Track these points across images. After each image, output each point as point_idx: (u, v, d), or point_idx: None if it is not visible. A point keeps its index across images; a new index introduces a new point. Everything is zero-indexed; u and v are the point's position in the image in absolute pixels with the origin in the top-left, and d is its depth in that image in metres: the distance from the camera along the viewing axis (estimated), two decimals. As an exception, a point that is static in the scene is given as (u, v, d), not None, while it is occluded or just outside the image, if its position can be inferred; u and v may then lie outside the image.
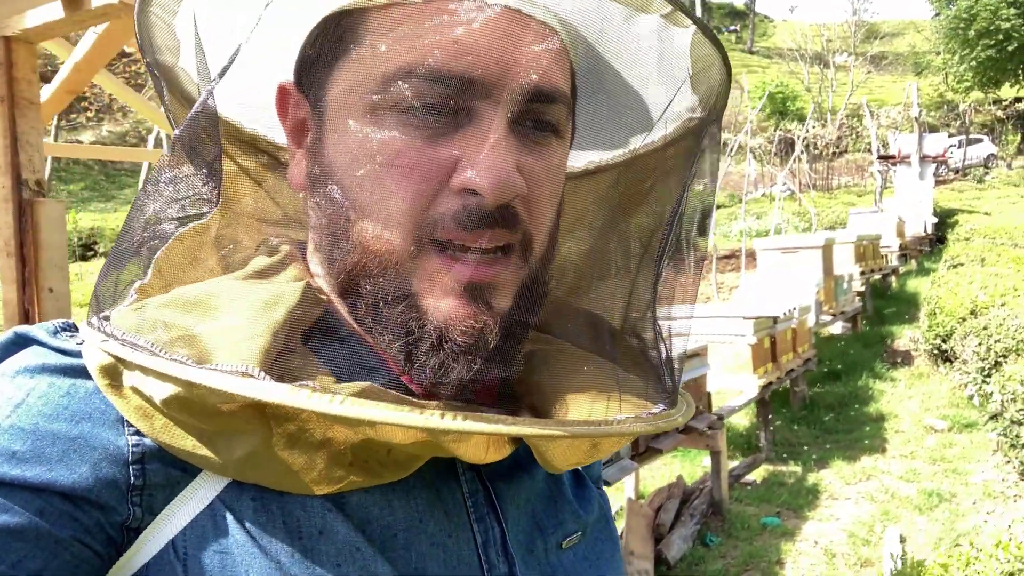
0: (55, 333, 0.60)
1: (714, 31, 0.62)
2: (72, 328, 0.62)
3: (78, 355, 0.58)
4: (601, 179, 0.78)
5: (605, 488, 4.11)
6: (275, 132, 0.74)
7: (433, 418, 0.51)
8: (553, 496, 0.73)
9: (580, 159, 0.78)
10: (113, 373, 0.56)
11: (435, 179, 0.57)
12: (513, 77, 0.57)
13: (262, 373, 0.52)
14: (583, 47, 0.66)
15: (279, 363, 0.54)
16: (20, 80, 2.68)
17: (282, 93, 0.66)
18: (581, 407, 0.64)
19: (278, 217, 0.70)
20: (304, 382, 0.52)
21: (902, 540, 5.04)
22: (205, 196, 0.63)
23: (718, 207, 22.35)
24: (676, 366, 0.69)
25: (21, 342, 0.60)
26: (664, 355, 0.69)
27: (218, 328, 0.55)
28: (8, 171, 2.64)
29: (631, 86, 0.70)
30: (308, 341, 0.58)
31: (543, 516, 0.71)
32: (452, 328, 0.58)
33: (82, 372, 0.57)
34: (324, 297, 0.62)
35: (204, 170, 0.62)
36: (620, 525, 5.21)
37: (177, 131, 0.61)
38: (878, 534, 5.20)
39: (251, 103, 0.70)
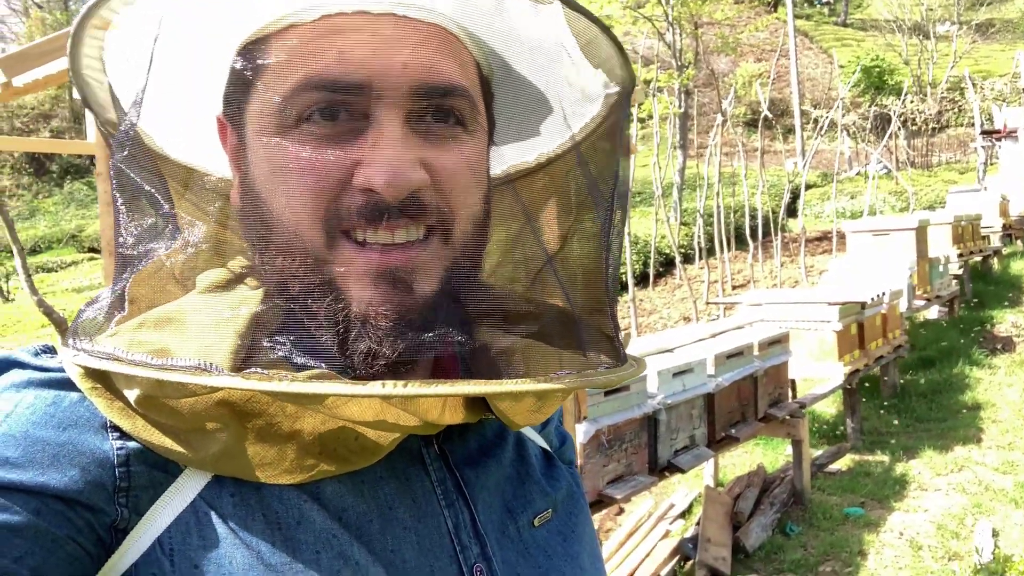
0: (36, 355, 0.66)
1: (579, 4, 0.65)
2: (52, 351, 0.67)
3: (60, 371, 0.63)
4: (549, 170, 0.81)
5: (681, 475, 4.13)
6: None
7: (375, 386, 0.55)
8: (521, 478, 0.79)
9: (529, 152, 0.82)
10: (96, 376, 0.61)
11: (339, 183, 0.61)
12: (397, 77, 0.61)
13: (216, 367, 0.56)
14: (480, 41, 0.69)
15: (246, 362, 0.58)
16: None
17: (220, 125, 0.70)
18: (525, 369, 0.69)
19: (235, 238, 0.70)
20: (254, 370, 0.56)
21: (995, 534, 4.86)
22: (165, 228, 0.66)
23: (809, 187, 21.54)
24: (615, 328, 0.72)
25: (5, 366, 0.64)
26: (609, 321, 0.73)
27: (186, 338, 0.59)
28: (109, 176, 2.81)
29: (539, 72, 0.74)
30: (272, 341, 0.61)
31: (512, 498, 0.77)
32: (373, 314, 0.61)
33: (66, 384, 0.62)
34: (280, 301, 0.65)
35: (163, 205, 0.67)
36: (698, 512, 5.20)
37: (119, 167, 0.65)
38: (969, 527, 5.03)
39: (197, 136, 0.73)
